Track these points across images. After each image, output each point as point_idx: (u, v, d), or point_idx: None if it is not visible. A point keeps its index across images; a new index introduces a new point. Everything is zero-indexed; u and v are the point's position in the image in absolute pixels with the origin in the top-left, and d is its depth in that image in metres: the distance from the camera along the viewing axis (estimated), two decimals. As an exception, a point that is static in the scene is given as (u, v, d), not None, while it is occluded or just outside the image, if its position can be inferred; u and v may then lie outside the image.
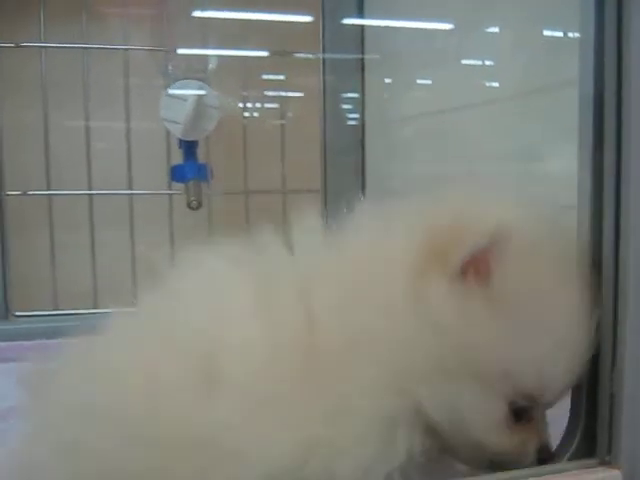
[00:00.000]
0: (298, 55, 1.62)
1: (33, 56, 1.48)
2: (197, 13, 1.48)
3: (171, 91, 1.43)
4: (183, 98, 1.42)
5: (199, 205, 1.43)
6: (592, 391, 0.60)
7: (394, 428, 0.55)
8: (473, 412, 0.56)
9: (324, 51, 1.60)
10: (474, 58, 1.15)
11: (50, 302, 1.49)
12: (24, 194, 1.48)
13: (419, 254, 0.56)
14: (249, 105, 1.62)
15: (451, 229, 0.56)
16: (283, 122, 1.61)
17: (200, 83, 1.44)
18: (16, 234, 1.49)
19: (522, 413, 0.57)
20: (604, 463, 0.60)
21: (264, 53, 1.58)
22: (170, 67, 1.51)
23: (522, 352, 0.55)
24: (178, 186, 1.49)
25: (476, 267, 0.55)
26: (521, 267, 0.55)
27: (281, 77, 1.63)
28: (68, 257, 1.51)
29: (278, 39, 1.54)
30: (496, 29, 1.11)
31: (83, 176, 1.51)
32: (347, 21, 1.58)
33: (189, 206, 1.43)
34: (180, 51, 1.50)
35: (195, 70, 1.50)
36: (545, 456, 0.59)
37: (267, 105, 1.67)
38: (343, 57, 1.60)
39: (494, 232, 0.54)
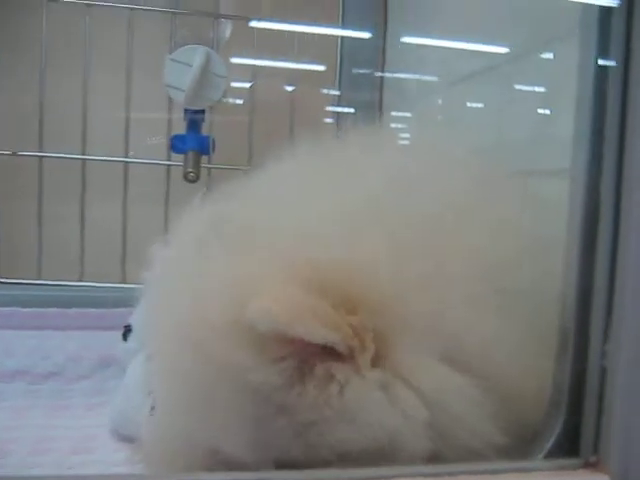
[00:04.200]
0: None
1: (35, 12, 1.40)
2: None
3: (176, 55, 1.34)
4: (188, 64, 1.34)
5: (196, 178, 1.35)
6: (577, 371, 0.47)
7: None
8: None
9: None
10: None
11: (35, 270, 1.41)
12: (14, 154, 1.40)
13: None
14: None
15: None
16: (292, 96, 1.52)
17: (208, 49, 1.35)
18: (4, 197, 1.41)
19: None
20: (588, 465, 0.46)
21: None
22: (179, 32, 1.44)
23: None
24: (178, 158, 1.40)
25: None
26: None
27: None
28: (56, 224, 1.43)
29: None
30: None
31: (78, 140, 1.43)
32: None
33: (185, 178, 1.34)
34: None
35: (205, 37, 1.43)
36: None
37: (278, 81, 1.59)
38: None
39: None
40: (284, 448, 0.48)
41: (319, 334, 0.45)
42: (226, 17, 1.45)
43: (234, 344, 0.47)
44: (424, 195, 0.55)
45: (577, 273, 0.45)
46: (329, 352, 0.47)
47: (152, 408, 0.69)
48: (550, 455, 0.45)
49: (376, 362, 0.48)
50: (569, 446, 0.45)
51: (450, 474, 0.40)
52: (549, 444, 0.45)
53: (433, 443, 0.46)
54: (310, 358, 0.47)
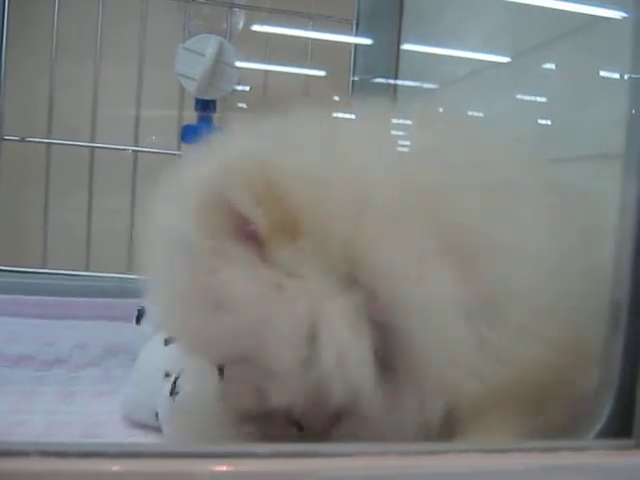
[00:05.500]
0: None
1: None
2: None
3: (188, 45, 1.33)
4: (201, 53, 1.32)
5: (208, 168, 1.33)
6: (630, 347, 0.44)
7: None
8: None
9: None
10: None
11: (38, 259, 1.39)
12: (22, 140, 1.38)
13: None
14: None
15: None
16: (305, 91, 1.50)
17: (221, 39, 1.33)
18: (10, 184, 1.39)
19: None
20: (643, 446, 0.43)
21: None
22: (193, 21, 1.42)
23: None
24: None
25: None
26: None
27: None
28: (63, 213, 1.41)
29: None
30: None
31: (87, 130, 1.41)
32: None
33: (196, 168, 1.32)
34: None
35: (219, 27, 1.41)
36: None
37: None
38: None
39: None
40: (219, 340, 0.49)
41: (246, 204, 0.46)
42: (240, 7, 1.44)
43: (188, 220, 0.49)
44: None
45: (632, 243, 0.43)
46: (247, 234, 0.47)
47: (175, 393, 0.67)
48: (600, 436, 0.43)
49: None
50: (620, 427, 0.43)
51: (502, 451, 0.38)
52: (600, 424, 0.43)
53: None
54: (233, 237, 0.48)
